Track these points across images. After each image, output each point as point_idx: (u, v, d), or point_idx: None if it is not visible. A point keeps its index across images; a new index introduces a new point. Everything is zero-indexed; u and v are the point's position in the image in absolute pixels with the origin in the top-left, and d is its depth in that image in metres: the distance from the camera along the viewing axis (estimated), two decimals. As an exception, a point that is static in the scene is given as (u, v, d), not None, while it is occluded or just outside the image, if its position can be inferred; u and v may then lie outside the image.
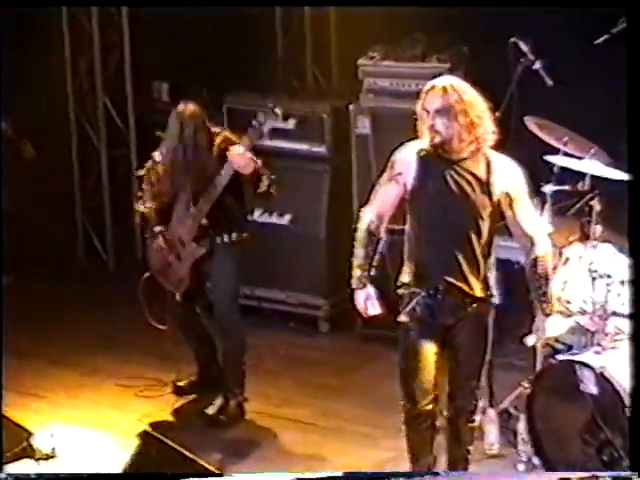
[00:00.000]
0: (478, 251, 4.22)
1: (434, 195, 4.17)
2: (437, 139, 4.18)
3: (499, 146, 4.39)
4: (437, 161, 4.20)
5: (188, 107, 5.32)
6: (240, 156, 5.37)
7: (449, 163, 4.20)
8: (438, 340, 4.42)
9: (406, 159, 4.27)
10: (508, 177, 4.20)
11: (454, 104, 4.17)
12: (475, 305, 4.34)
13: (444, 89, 4.18)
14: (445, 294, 4.33)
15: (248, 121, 5.38)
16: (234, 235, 5.48)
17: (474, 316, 4.35)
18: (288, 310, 6.74)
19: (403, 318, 4.39)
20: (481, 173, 4.20)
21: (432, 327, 4.40)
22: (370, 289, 4.31)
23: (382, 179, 4.36)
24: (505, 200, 4.21)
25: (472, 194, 4.18)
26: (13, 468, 4.89)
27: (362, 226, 4.29)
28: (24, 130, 7.21)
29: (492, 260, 4.39)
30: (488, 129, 4.24)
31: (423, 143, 4.23)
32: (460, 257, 4.27)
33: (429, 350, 4.41)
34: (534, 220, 4.32)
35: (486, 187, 4.20)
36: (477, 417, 4.64)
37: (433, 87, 4.23)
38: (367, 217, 4.30)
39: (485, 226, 4.20)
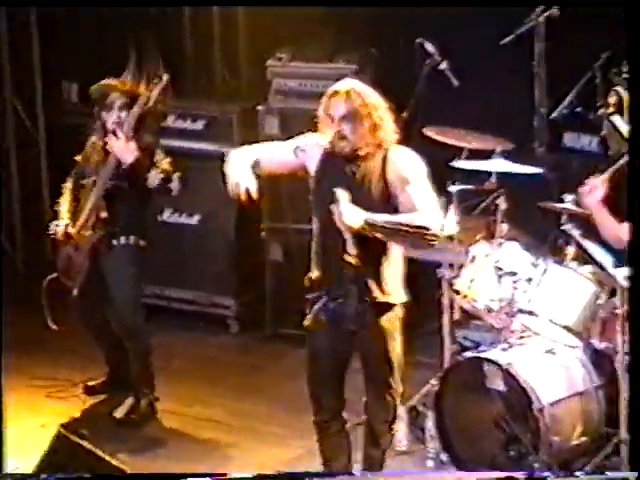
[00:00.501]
0: (379, 250, 4.22)
1: (333, 193, 4.14)
2: (345, 146, 4.16)
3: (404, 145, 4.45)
4: (338, 159, 4.19)
5: None
6: (119, 145, 5.35)
7: (350, 162, 4.18)
8: (344, 344, 4.38)
9: (313, 146, 4.27)
10: (402, 162, 4.17)
11: (359, 108, 4.16)
12: (378, 308, 4.30)
13: (347, 94, 4.16)
14: (346, 298, 4.29)
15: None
16: (132, 238, 5.44)
17: (378, 319, 4.31)
18: (198, 310, 6.77)
19: (307, 322, 4.37)
20: (379, 168, 4.19)
21: (337, 332, 4.36)
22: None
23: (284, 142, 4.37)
24: (400, 185, 4.15)
25: (371, 192, 4.16)
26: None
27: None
28: None
29: (395, 259, 4.36)
30: (390, 130, 4.25)
31: (328, 139, 4.24)
32: (354, 262, 4.20)
33: (335, 355, 4.39)
34: (428, 200, 4.18)
35: (382, 179, 4.17)
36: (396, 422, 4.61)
37: (336, 92, 4.20)
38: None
39: None
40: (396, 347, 4.31)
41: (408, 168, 4.16)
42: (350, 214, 4.02)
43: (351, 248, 4.08)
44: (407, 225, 4.03)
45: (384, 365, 4.29)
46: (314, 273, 4.27)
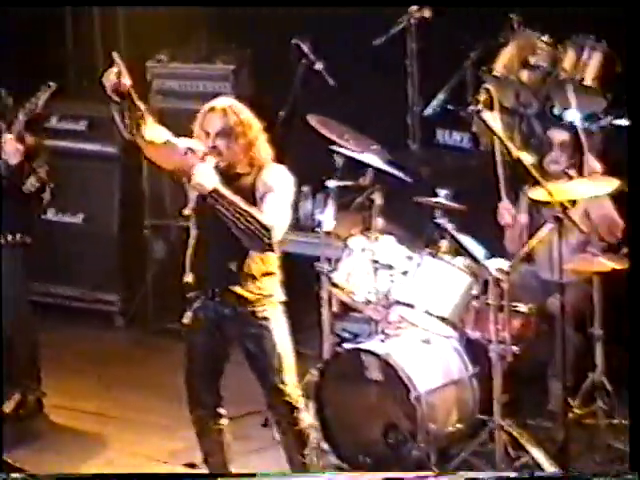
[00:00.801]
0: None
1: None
2: (220, 162, 4.24)
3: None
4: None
5: None
6: (8, 146, 5.41)
7: (225, 179, 4.22)
8: (222, 343, 4.47)
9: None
10: (271, 176, 4.27)
11: (234, 126, 4.25)
12: (255, 308, 4.38)
13: (224, 111, 4.25)
14: (223, 298, 4.38)
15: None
16: (17, 235, 5.51)
17: (257, 319, 4.38)
18: (84, 306, 6.93)
19: (186, 320, 4.45)
20: (250, 185, 4.30)
21: (215, 330, 4.45)
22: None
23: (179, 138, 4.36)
24: (262, 192, 4.26)
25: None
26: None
27: None
28: None
29: (270, 257, 4.43)
30: (264, 149, 4.36)
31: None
32: (233, 263, 4.32)
33: (212, 352, 4.48)
34: (280, 210, 4.26)
35: (252, 196, 4.26)
36: (302, 418, 4.59)
37: (213, 108, 4.29)
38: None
39: None
40: (281, 341, 4.38)
41: (275, 180, 4.27)
42: (205, 175, 4.09)
43: (228, 248, 4.22)
44: (252, 217, 4.10)
45: (273, 361, 4.35)
46: (189, 275, 4.36)
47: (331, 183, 5.20)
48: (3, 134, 5.40)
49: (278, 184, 4.26)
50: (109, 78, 4.09)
